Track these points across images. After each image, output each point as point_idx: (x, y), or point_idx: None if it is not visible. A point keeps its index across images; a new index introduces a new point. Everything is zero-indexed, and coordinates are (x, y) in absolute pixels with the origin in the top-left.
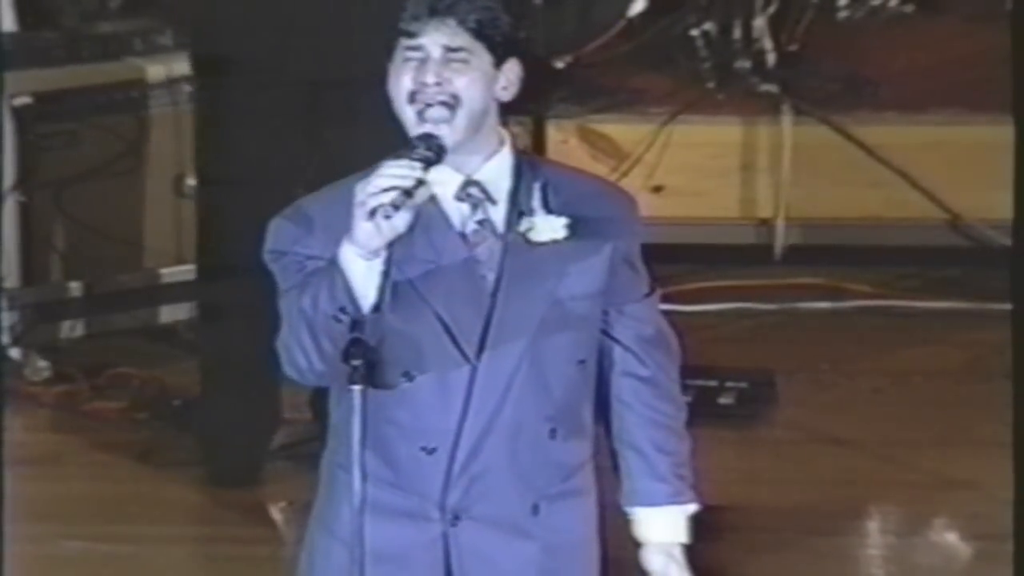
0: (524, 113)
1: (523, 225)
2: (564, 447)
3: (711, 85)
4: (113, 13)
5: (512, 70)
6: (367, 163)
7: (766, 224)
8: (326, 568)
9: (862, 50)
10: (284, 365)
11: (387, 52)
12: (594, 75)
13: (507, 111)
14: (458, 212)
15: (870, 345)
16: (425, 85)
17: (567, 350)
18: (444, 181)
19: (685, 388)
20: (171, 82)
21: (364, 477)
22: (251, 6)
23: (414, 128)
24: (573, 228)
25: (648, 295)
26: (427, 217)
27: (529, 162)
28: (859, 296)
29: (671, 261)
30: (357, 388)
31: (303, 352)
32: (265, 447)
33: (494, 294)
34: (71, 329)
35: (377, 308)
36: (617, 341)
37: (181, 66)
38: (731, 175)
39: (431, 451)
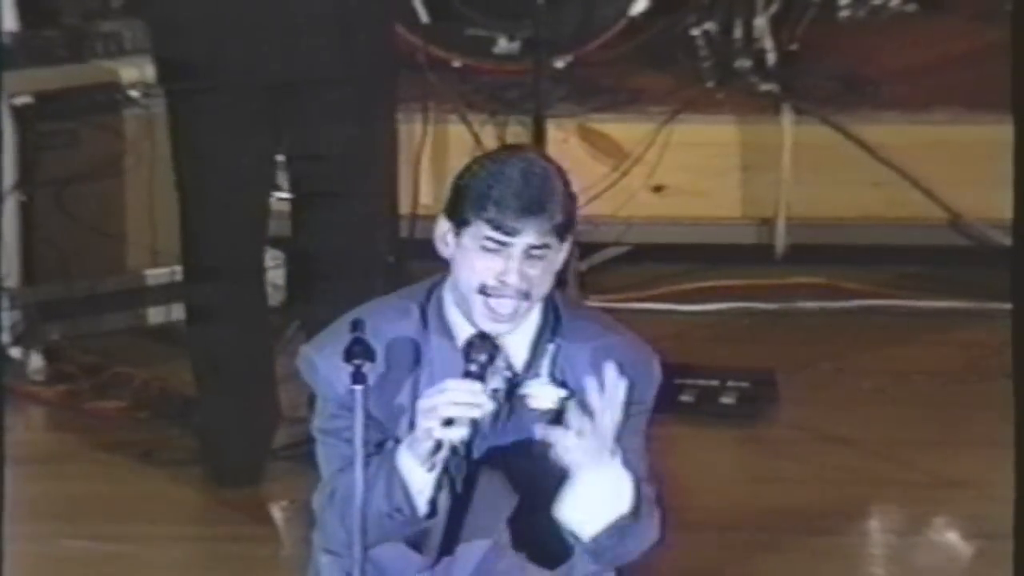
0: (524, 112)
1: (522, 391)
2: None
3: (712, 84)
4: (114, 12)
5: (569, 244)
6: (332, 162)
7: (767, 223)
8: None
9: (863, 49)
10: (318, 528)
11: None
12: (595, 74)
13: (508, 111)
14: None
15: (871, 344)
16: (505, 284)
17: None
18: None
19: (686, 388)
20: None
21: (365, 477)
22: (212, 9)
23: (475, 315)
24: (567, 399)
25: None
26: (447, 374)
27: (555, 317)
28: (860, 295)
29: (672, 261)
30: (359, 388)
31: (347, 532)
32: (266, 445)
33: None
34: (72, 328)
35: (433, 508)
36: None
37: None
38: (732, 174)
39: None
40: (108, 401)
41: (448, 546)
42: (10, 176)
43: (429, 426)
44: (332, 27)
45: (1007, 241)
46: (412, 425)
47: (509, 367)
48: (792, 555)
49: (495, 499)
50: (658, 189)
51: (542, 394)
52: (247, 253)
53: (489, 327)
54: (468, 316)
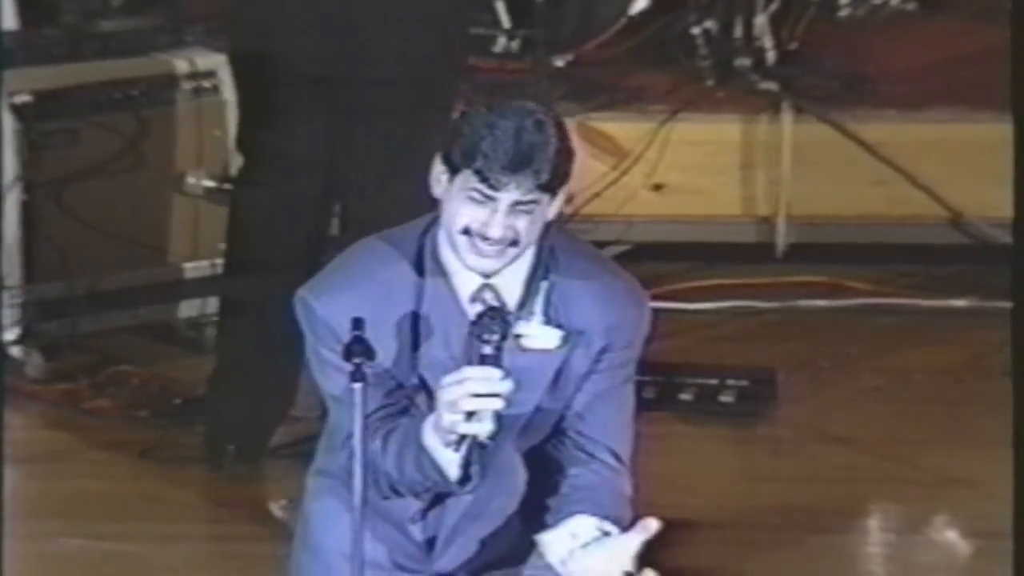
0: None
1: (518, 328)
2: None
3: (711, 83)
4: (115, 11)
5: (561, 197)
6: (385, 162)
7: (767, 222)
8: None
9: (863, 48)
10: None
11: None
12: (595, 73)
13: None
14: (473, 311)
15: (871, 343)
16: (487, 234)
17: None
18: (464, 282)
19: (685, 386)
20: (173, 80)
21: (366, 477)
22: (282, 4)
23: (461, 252)
24: (566, 339)
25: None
26: (445, 315)
27: (547, 262)
28: (860, 294)
29: (672, 259)
30: (358, 386)
31: (377, 491)
32: (269, 433)
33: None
34: (72, 327)
35: (467, 476)
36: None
37: (182, 64)
38: (731, 173)
39: (418, 514)
40: (107, 400)
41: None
42: (10, 174)
43: (453, 420)
44: (398, 27)
45: (1008, 239)
46: (414, 370)
47: (501, 305)
48: (791, 554)
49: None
50: (658, 188)
51: (539, 335)
52: (297, 245)
53: (475, 264)
54: (457, 251)
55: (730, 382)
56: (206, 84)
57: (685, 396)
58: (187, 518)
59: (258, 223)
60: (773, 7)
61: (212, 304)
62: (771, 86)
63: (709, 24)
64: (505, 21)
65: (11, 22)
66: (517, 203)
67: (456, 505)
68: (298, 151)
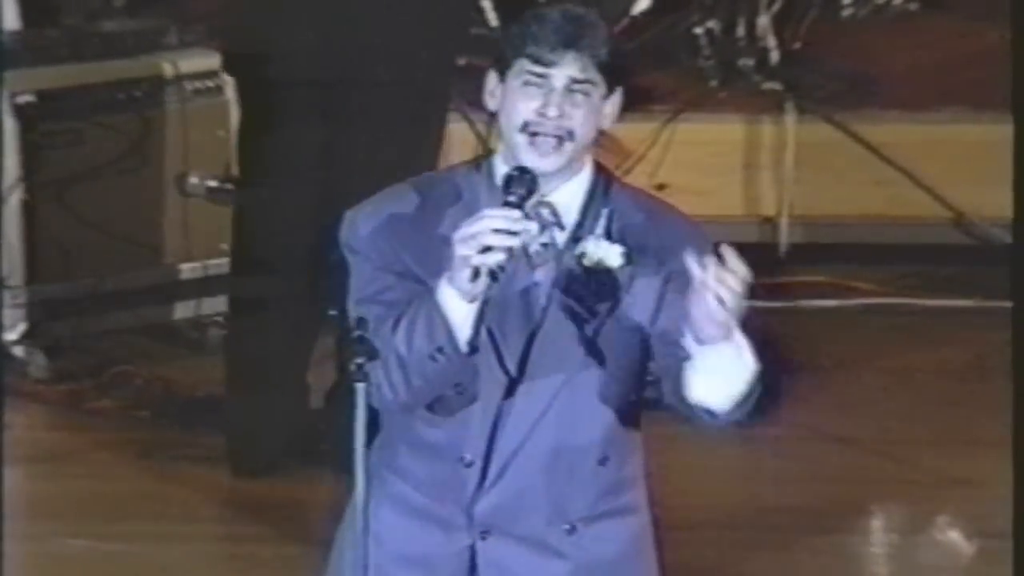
0: None
1: (578, 249)
2: (615, 472)
3: (714, 83)
4: (117, 11)
5: (616, 100)
6: (388, 162)
7: (769, 222)
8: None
9: (866, 48)
10: (372, 393)
11: (497, 57)
12: None
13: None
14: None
15: (873, 343)
16: (545, 117)
17: (617, 378)
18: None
19: None
20: (175, 80)
21: (367, 476)
22: (281, 6)
23: (520, 152)
24: (630, 257)
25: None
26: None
27: (606, 185)
28: (862, 294)
29: None
30: (361, 385)
31: (391, 386)
32: (288, 438)
33: (542, 317)
34: (74, 327)
35: (474, 347)
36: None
37: (185, 64)
38: (734, 173)
39: (469, 464)
40: (110, 400)
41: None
42: (13, 174)
43: (466, 254)
44: (391, 30)
45: (1009, 240)
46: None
47: (559, 223)
48: (793, 554)
49: (556, 351)
50: (661, 188)
51: (598, 252)
52: (300, 247)
53: (532, 162)
54: (512, 161)
55: None
56: (208, 84)
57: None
58: (190, 518)
59: (262, 226)
60: (776, 7)
61: (213, 304)
62: (774, 86)
63: (712, 24)
64: (492, 20)
65: (13, 22)
66: (573, 81)
67: (511, 441)
68: (298, 153)
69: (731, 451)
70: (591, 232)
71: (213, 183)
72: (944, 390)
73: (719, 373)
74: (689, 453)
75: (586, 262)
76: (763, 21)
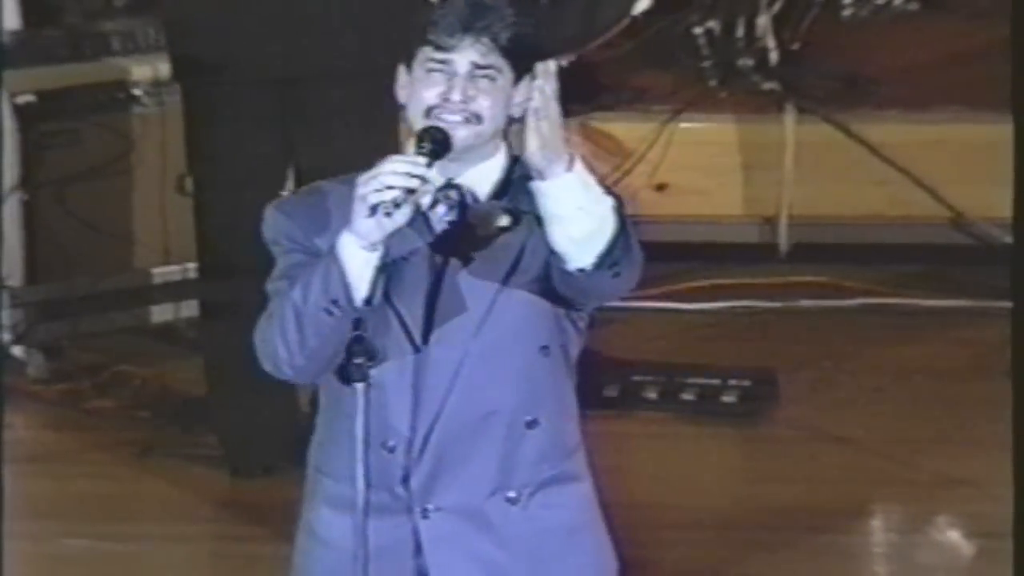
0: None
1: (471, 211)
2: (549, 436)
3: (714, 83)
4: (116, 11)
5: (524, 90)
6: (348, 158)
7: (769, 222)
8: (313, 572)
9: (865, 48)
10: (262, 357)
11: (399, 52)
12: (597, 73)
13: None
14: (435, 214)
15: (873, 343)
16: (449, 101)
17: (525, 338)
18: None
19: (687, 386)
20: (175, 81)
21: (368, 476)
22: (227, 6)
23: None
24: (518, 218)
25: None
26: None
27: (514, 171)
28: (862, 294)
29: (674, 259)
30: (360, 386)
31: (285, 344)
32: (282, 437)
33: (440, 286)
34: (73, 327)
35: (369, 302)
36: None
37: None
38: (734, 173)
39: (392, 449)
40: (109, 400)
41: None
42: (12, 175)
43: (364, 192)
44: (342, 25)
45: (1009, 240)
46: None
47: (463, 202)
48: (793, 554)
49: (458, 304)
50: (660, 188)
51: (485, 212)
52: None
53: None
54: None
55: (732, 382)
56: None
57: (687, 396)
58: (188, 519)
59: (224, 229)
60: (776, 7)
61: None
62: (774, 86)
63: (712, 24)
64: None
65: (13, 22)
66: (476, 66)
67: (436, 426)
68: (255, 153)
69: (732, 451)
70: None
71: None
72: (944, 390)
73: (576, 209)
74: (691, 453)
75: (472, 220)
76: (763, 21)
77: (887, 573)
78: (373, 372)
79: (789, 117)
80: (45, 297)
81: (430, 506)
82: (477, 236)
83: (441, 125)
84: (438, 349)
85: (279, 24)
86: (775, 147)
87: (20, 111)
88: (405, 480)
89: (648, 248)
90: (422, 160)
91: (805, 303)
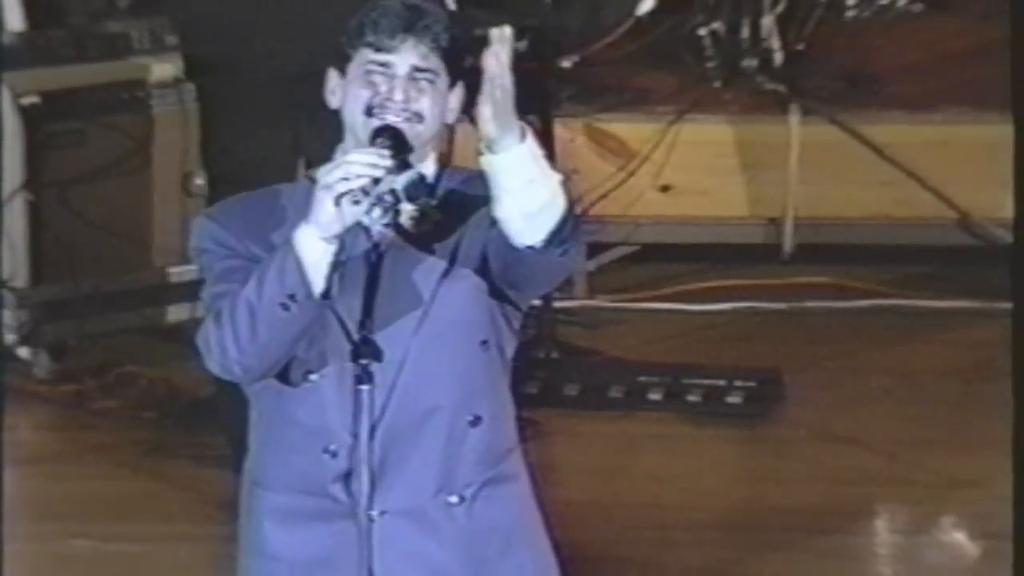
0: (531, 112)
1: (402, 209)
2: (490, 435)
3: (718, 84)
4: (121, 12)
5: (457, 95)
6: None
7: (774, 223)
8: None
9: (869, 49)
10: (206, 356)
11: (338, 54)
12: (601, 74)
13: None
14: (368, 216)
15: (877, 344)
16: (391, 101)
17: (465, 333)
18: None
19: (693, 387)
20: (178, 81)
21: (371, 478)
22: (238, 4)
23: (367, 128)
24: (451, 211)
25: None
26: None
27: (450, 173)
28: (867, 295)
29: (678, 260)
30: (365, 388)
31: (236, 343)
32: None
33: (377, 285)
34: (79, 328)
35: (327, 295)
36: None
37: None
38: (738, 174)
39: (334, 454)
40: (114, 400)
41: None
42: (18, 175)
43: (328, 182)
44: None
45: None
46: None
47: (396, 203)
48: (798, 554)
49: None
50: (665, 189)
51: (415, 211)
52: None
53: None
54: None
55: (737, 383)
56: None
57: (692, 397)
58: (193, 519)
59: None
60: (780, 8)
61: None
62: (778, 87)
63: (716, 25)
64: (450, 3)
65: (18, 23)
66: (416, 69)
67: (379, 428)
68: (267, 149)
69: (737, 452)
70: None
71: None
72: (948, 391)
73: (527, 182)
74: (696, 454)
75: (405, 224)
76: (767, 22)
77: (892, 574)
78: (312, 376)
79: (793, 118)
80: (50, 298)
81: (374, 511)
82: (411, 234)
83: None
84: (379, 347)
85: (289, 21)
86: (779, 148)
87: (25, 112)
88: (346, 482)
89: (653, 249)
90: (386, 152)
91: (810, 304)
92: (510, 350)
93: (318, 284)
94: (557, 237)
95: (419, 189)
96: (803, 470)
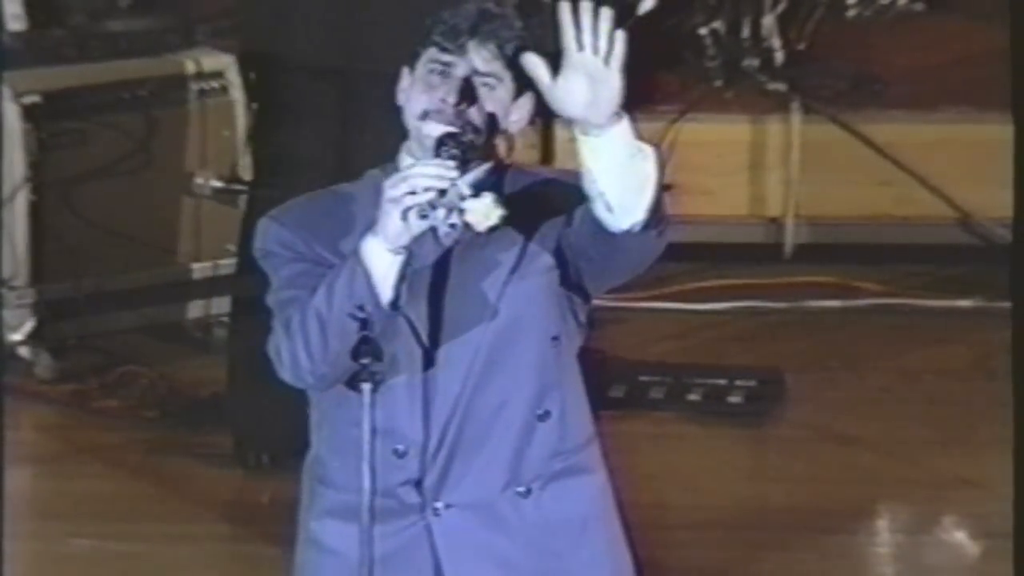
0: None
1: (466, 204)
2: (560, 429)
3: (720, 83)
4: (122, 12)
5: (526, 105)
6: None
7: (775, 222)
8: None
9: (871, 48)
10: (278, 366)
11: (409, 53)
12: None
13: None
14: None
15: (879, 343)
16: (446, 104)
17: (535, 329)
18: None
19: (694, 387)
20: (180, 81)
21: (373, 477)
22: (295, 1)
23: (422, 138)
24: (521, 208)
25: None
26: None
27: (503, 171)
28: (868, 294)
29: (680, 259)
30: (367, 387)
31: (308, 353)
32: (289, 431)
33: (445, 286)
34: (80, 327)
35: (396, 306)
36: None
37: (190, 64)
38: (740, 173)
39: (402, 455)
40: (116, 400)
41: (428, 361)
42: (19, 175)
43: (395, 195)
44: (399, 19)
45: None
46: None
47: (462, 207)
48: (799, 554)
49: (470, 308)
50: (666, 188)
51: (479, 208)
52: None
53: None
54: (414, 155)
55: (738, 382)
56: (214, 84)
57: (693, 396)
58: (195, 518)
59: None
60: (781, 7)
61: (219, 304)
62: (779, 86)
63: (717, 24)
64: None
65: (19, 23)
66: (475, 72)
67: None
68: (313, 148)
69: (739, 451)
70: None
71: (219, 183)
72: (949, 390)
73: (627, 156)
74: (697, 453)
75: (472, 224)
76: (768, 21)
77: (893, 573)
78: (383, 377)
79: (795, 117)
80: (52, 297)
81: (440, 504)
82: (478, 233)
83: (448, 130)
84: (449, 348)
85: (337, 17)
86: (781, 147)
87: (27, 111)
88: (418, 484)
89: None
90: (451, 163)
91: (811, 303)
92: (576, 346)
93: (386, 294)
94: (655, 215)
95: (483, 186)
96: (804, 469)
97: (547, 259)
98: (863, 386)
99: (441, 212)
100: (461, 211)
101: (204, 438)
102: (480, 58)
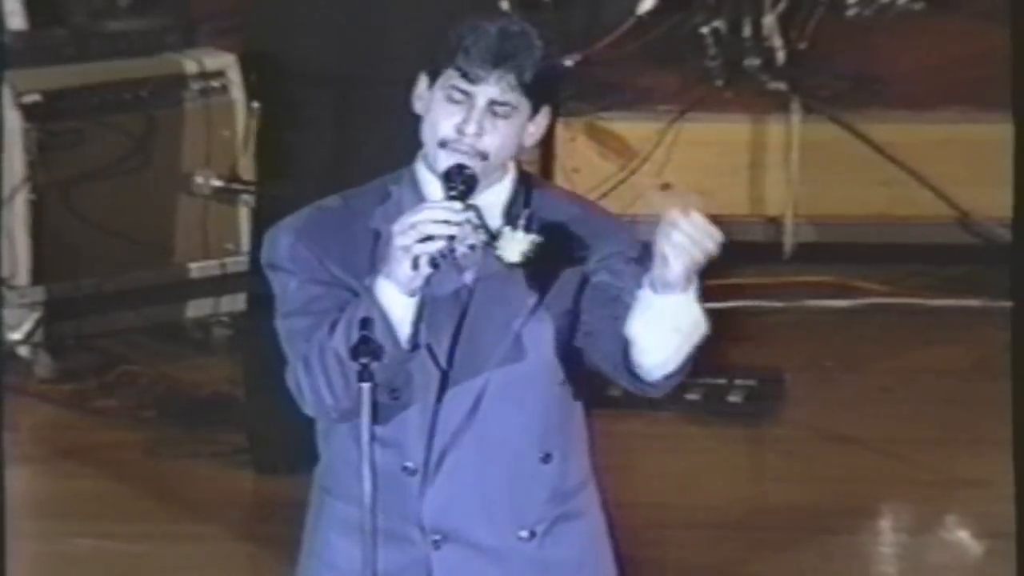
0: None
1: (496, 239)
2: (560, 471)
3: (720, 83)
4: (122, 11)
5: (543, 120)
6: (407, 158)
7: (775, 222)
8: None
9: (871, 48)
10: (300, 401)
11: (425, 59)
12: (603, 73)
13: None
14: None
15: (879, 343)
16: (463, 135)
17: (543, 372)
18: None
19: (693, 386)
20: (180, 80)
21: (374, 478)
22: (300, 6)
23: (437, 163)
24: (546, 248)
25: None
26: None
27: (527, 189)
28: (868, 294)
29: None
30: (366, 386)
31: (332, 393)
32: (304, 435)
33: (467, 314)
34: (80, 327)
35: (416, 344)
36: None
37: (190, 64)
38: (740, 173)
39: (412, 472)
40: (115, 400)
41: (440, 393)
42: (19, 174)
43: (406, 243)
44: (405, 27)
45: None
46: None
47: (484, 225)
48: (799, 553)
49: (483, 340)
50: (666, 187)
51: (513, 244)
52: None
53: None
54: (434, 171)
55: (738, 382)
56: (214, 84)
57: (693, 396)
58: (193, 518)
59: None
60: (781, 7)
61: (220, 304)
62: (780, 86)
63: (718, 24)
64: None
65: (19, 22)
66: (494, 103)
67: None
68: (319, 151)
69: (738, 451)
70: (512, 225)
71: (218, 183)
72: (949, 390)
73: (670, 324)
74: (697, 453)
75: (502, 256)
76: (768, 21)
77: (894, 573)
78: (400, 393)
79: (795, 117)
80: (52, 297)
81: (439, 537)
82: (505, 266)
83: (456, 159)
84: (461, 374)
85: (344, 24)
86: (781, 147)
87: (27, 111)
88: (418, 506)
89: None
90: (458, 206)
91: (811, 303)
92: (584, 386)
93: (404, 335)
94: (670, 381)
95: (513, 206)
96: (804, 469)
97: (566, 303)
98: (862, 386)
99: (460, 249)
100: (490, 241)
101: (204, 437)
102: (499, 89)
